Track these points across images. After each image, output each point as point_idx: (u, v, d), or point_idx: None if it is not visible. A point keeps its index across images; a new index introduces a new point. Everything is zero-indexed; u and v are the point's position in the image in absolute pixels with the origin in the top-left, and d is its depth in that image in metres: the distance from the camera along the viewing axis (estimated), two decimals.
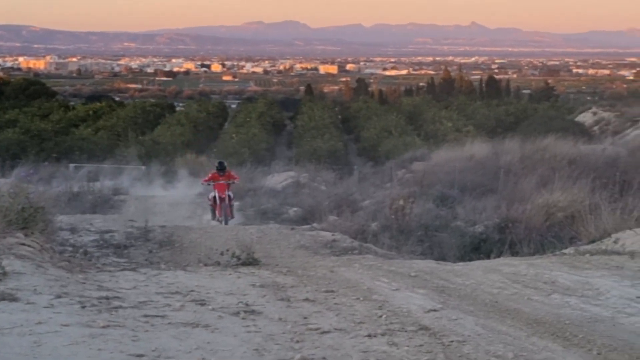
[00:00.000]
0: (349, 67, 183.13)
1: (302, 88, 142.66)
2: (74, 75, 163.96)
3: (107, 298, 9.47)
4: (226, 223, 26.28)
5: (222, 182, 27.34)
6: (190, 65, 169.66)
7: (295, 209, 30.00)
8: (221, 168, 27.81)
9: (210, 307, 9.36)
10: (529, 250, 17.33)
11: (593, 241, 15.68)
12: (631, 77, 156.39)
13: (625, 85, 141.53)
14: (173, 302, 9.50)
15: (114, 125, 67.91)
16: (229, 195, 27.22)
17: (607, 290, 10.51)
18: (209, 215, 27.89)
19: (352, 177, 41.75)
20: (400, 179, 38.13)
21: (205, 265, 13.10)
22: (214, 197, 27.11)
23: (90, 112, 77.92)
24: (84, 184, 35.11)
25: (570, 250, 15.07)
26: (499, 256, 16.39)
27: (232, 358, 7.47)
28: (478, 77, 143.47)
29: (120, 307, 9.10)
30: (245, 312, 9.19)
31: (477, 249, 19.24)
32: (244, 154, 52.17)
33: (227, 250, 13.71)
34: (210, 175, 28.13)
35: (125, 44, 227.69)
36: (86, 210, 27.14)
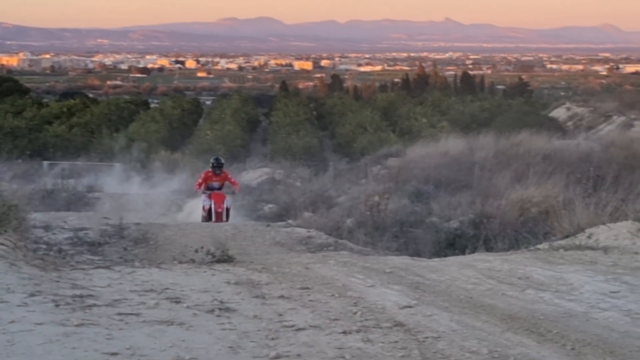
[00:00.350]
0: (323, 63, 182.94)
1: (276, 84, 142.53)
2: (48, 72, 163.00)
3: (81, 296, 9.44)
4: None
5: (217, 188, 23.71)
6: (164, 62, 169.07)
7: (270, 205, 30.00)
8: (218, 165, 24.04)
9: (184, 304, 9.34)
10: (504, 245, 17.37)
11: (567, 236, 15.73)
12: (605, 73, 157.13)
13: (598, 81, 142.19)
14: (147, 300, 9.48)
15: (88, 122, 67.73)
16: (226, 209, 23.50)
17: (581, 286, 10.56)
18: (183, 213, 27.71)
19: (327, 174, 41.76)
20: (375, 175, 38.14)
21: (180, 262, 13.02)
22: (209, 209, 23.28)
23: (64, 109, 77.55)
24: (58, 181, 34.85)
25: (544, 245, 15.14)
26: (473, 252, 16.39)
27: (207, 356, 7.47)
28: (452, 72, 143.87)
29: (95, 305, 9.07)
30: (220, 309, 9.18)
31: (452, 244, 19.23)
32: (219, 151, 52.10)
33: (202, 248, 13.65)
34: (202, 176, 24.17)
35: (99, 40, 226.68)
36: (60, 208, 26.97)
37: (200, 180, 23.95)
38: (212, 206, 23.05)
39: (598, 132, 53.09)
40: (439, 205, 25.42)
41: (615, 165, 28.47)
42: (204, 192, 23.61)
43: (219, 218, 22.86)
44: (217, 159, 24.36)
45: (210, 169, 24.00)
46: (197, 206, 26.43)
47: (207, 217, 23.15)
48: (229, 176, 24.50)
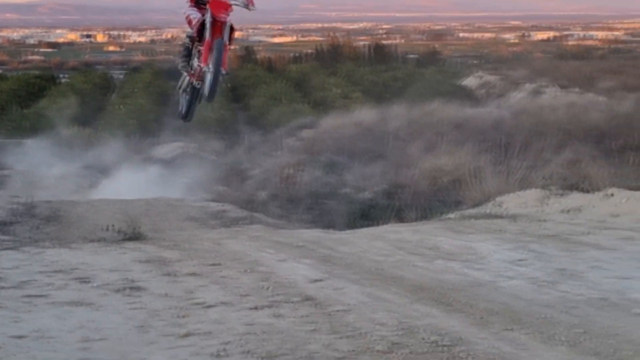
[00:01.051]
0: (236, 34, 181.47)
1: None
2: None
3: None
4: (211, 82, 12.12)
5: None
6: (74, 36, 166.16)
7: (184, 179, 29.75)
8: None
9: (93, 284, 9.26)
10: (416, 215, 17.50)
11: (477, 205, 15.99)
12: (515, 41, 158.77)
13: (510, 49, 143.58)
14: (56, 280, 9.37)
15: None
16: (230, 28, 12.69)
17: (489, 254, 10.72)
18: (105, 183, 27.12)
19: (242, 146, 41.60)
20: (289, 147, 38.11)
21: (90, 241, 12.87)
22: (202, 22, 12.34)
23: None
24: None
25: (455, 214, 15.36)
26: (387, 222, 16.55)
27: (116, 336, 7.43)
28: (365, 43, 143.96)
29: (1, 287, 8.94)
30: (129, 288, 9.12)
31: (366, 215, 19.36)
32: (132, 125, 51.55)
33: (113, 226, 13.52)
34: None
35: (7, 15, 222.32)
36: None
37: None
38: (208, 16, 12.26)
39: (509, 100, 53.68)
40: (353, 176, 25.50)
41: (525, 133, 28.87)
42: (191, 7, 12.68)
43: (218, 33, 12.32)
44: None
45: None
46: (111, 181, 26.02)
47: (197, 35, 12.52)
48: None
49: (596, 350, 7.17)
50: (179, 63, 12.94)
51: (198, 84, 12.38)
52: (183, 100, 13.11)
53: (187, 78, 12.73)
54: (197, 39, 12.52)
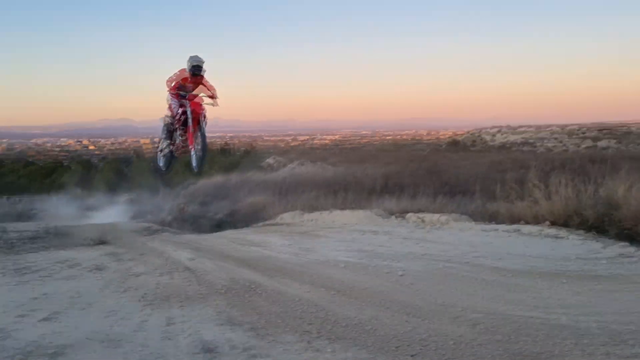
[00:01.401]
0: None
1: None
2: None
3: (19, 268, 8.67)
4: (201, 160, 7.81)
5: (193, 92, 7.91)
6: (71, 142, 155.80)
7: (129, 212, 28.66)
8: (197, 68, 7.60)
9: (77, 268, 8.79)
10: (242, 225, 17.42)
11: (271, 219, 16.03)
12: (290, 141, 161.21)
13: (290, 145, 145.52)
14: (57, 267, 8.83)
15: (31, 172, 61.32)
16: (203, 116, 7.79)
17: (274, 243, 10.79)
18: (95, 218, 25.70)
19: (159, 195, 40.28)
20: (183, 194, 37.16)
21: (77, 246, 12.17)
22: (184, 112, 7.88)
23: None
24: (18, 206, 31.12)
25: (260, 224, 15.38)
26: (228, 229, 16.39)
27: (89, 294, 7.13)
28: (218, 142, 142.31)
29: (27, 273, 8.37)
30: (96, 269, 8.71)
31: (219, 226, 19.04)
32: (103, 187, 48.93)
33: (87, 237, 12.85)
34: (177, 73, 7.71)
35: (35, 132, 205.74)
36: (13, 220, 24.25)
37: (174, 77, 7.83)
38: (188, 110, 7.90)
39: (288, 169, 54.29)
40: (213, 207, 25.00)
41: (295, 183, 29.15)
42: (173, 94, 8.06)
43: (197, 123, 7.83)
44: (197, 65, 7.70)
45: (187, 69, 7.77)
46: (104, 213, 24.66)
47: (177, 121, 8.18)
48: (205, 80, 7.90)
49: (320, 285, 7.38)
50: (162, 136, 8.56)
51: (178, 155, 8.62)
52: (164, 161, 8.85)
53: (170, 148, 8.53)
54: (180, 125, 8.20)
